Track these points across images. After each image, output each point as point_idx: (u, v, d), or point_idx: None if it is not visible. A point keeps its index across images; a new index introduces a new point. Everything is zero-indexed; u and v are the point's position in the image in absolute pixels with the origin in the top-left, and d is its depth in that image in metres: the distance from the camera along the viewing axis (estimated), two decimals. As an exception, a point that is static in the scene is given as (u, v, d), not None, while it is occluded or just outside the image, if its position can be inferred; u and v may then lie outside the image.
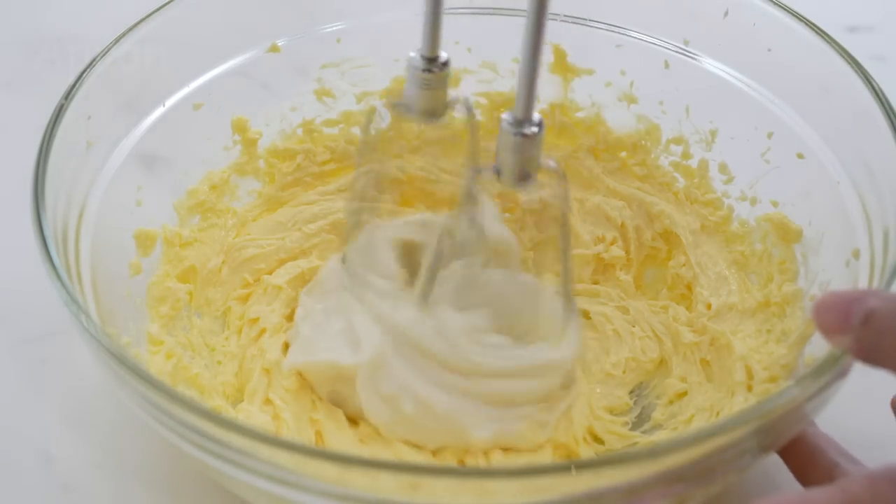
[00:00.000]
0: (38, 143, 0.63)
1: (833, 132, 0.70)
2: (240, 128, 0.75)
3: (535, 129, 0.59)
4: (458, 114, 0.68)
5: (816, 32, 0.70)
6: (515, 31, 0.72)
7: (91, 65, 0.67)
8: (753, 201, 0.74)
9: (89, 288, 0.62)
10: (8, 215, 0.70)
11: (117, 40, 0.69)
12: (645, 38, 0.77)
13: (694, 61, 0.76)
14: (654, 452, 0.53)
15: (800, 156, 0.71)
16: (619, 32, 0.77)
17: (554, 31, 0.75)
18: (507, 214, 0.75)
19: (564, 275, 0.66)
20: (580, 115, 0.79)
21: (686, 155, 0.77)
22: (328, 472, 0.52)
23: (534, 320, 0.68)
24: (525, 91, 0.58)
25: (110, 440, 0.67)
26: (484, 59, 0.79)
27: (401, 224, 0.73)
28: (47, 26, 0.93)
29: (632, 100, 0.78)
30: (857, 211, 0.67)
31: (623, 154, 0.78)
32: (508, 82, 0.79)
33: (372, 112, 0.69)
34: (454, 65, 0.75)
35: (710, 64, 0.75)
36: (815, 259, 0.69)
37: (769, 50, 0.73)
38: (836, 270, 0.67)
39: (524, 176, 0.61)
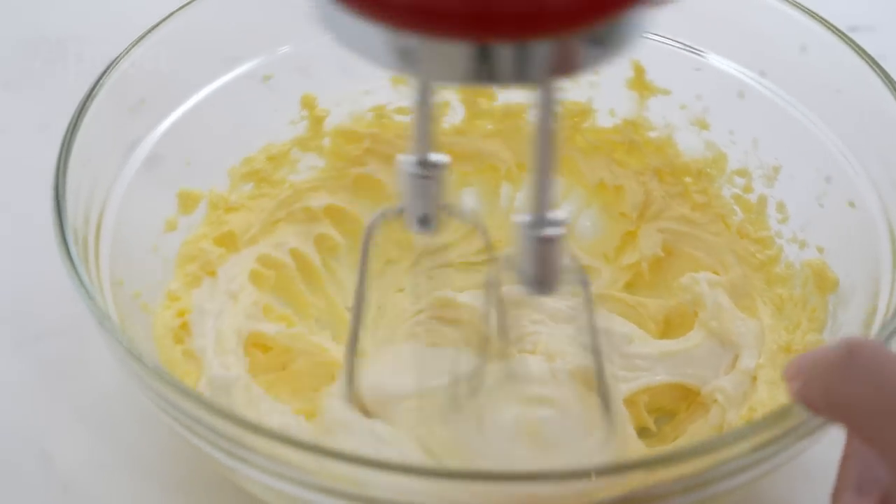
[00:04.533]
0: (41, 148, 0.62)
1: (888, 185, 0.67)
2: (308, 104, 0.77)
3: (557, 231, 0.51)
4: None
5: (889, 85, 0.67)
6: None
7: (110, 67, 0.68)
8: (802, 245, 0.72)
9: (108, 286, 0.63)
10: (8, 215, 0.70)
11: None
12: (724, 64, 0.75)
13: (768, 94, 0.74)
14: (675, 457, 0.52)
15: (851, 204, 0.69)
16: (699, 55, 0.76)
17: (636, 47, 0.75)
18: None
19: (601, 383, 0.62)
20: (652, 134, 0.78)
21: (748, 188, 0.75)
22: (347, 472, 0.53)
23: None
24: (539, 181, 0.49)
25: (110, 440, 0.67)
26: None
27: None
28: (47, 26, 0.93)
29: (703, 126, 0.76)
30: (888, 268, 0.64)
31: (688, 179, 0.76)
32: (585, 93, 0.78)
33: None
34: None
35: (782, 98, 0.73)
36: (844, 312, 0.67)
37: (838, 91, 0.70)
38: (856, 327, 0.64)
39: (546, 285, 0.52)
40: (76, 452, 0.67)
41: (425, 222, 0.56)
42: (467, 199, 0.80)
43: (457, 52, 0.44)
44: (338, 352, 0.71)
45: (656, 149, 0.77)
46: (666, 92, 0.77)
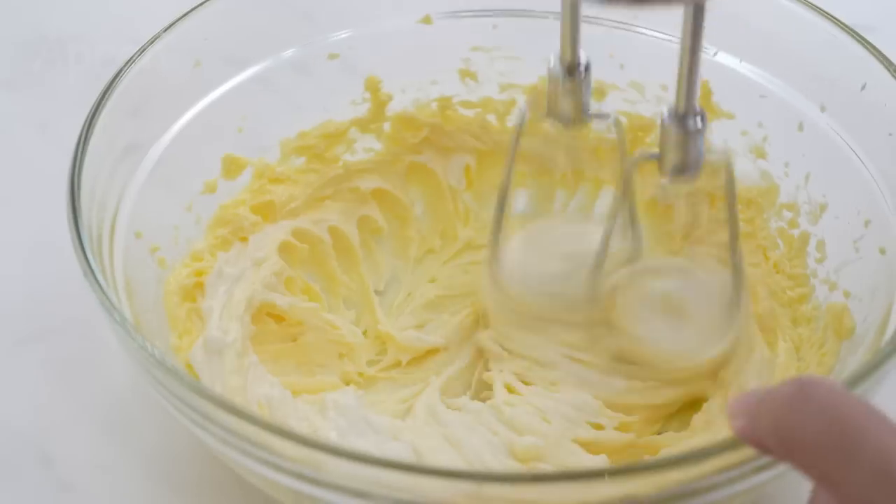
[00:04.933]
0: (41, 148, 0.65)
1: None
2: (371, 87, 0.78)
3: (699, 124, 0.59)
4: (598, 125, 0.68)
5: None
6: (669, 58, 0.73)
7: (130, 61, 0.68)
8: (833, 287, 0.70)
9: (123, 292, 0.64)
10: (8, 215, 0.70)
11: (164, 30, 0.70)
12: (788, 94, 0.74)
13: (826, 129, 0.72)
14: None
15: (882, 251, 0.66)
16: (766, 82, 0.74)
17: (704, 68, 0.74)
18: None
19: (736, 267, 0.65)
20: (711, 157, 0.76)
21: (793, 223, 0.73)
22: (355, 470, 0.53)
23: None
24: (687, 82, 0.57)
25: (110, 440, 0.67)
26: (633, 79, 0.78)
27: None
28: (47, 26, 0.93)
29: (761, 154, 0.75)
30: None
31: (738, 207, 0.75)
32: (651, 107, 0.77)
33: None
34: (604, 77, 0.76)
35: (839, 135, 0.71)
36: (853, 358, 0.65)
37: (890, 135, 0.68)
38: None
39: (687, 168, 0.61)
40: (75, 452, 0.67)
41: (565, 120, 0.64)
42: (520, 199, 0.80)
43: None
44: (351, 333, 0.72)
45: (713, 171, 0.75)
46: (730, 116, 0.75)
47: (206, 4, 0.72)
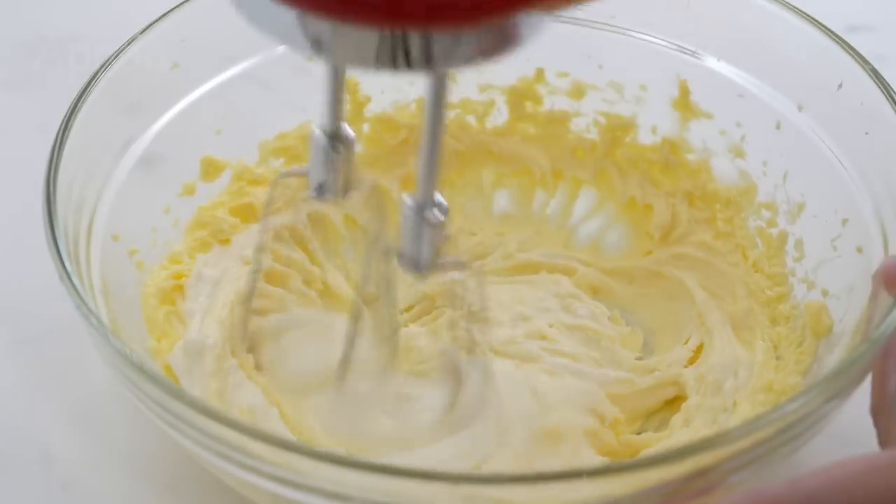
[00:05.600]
0: (41, 148, 0.62)
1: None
2: (349, 88, 0.78)
3: (440, 216, 0.53)
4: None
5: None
6: (648, 57, 0.73)
7: (105, 65, 0.68)
8: (811, 286, 0.70)
9: (100, 295, 0.63)
10: (7, 215, 0.70)
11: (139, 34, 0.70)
12: (765, 93, 0.74)
13: (804, 128, 0.72)
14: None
15: (858, 250, 0.67)
16: (743, 82, 0.74)
17: (683, 68, 0.74)
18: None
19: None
20: (690, 157, 0.77)
21: (771, 223, 0.73)
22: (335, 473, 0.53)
23: None
24: (425, 165, 0.52)
25: (111, 440, 0.67)
26: (611, 79, 0.78)
27: None
28: (47, 26, 0.93)
29: (739, 153, 0.75)
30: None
31: (717, 206, 0.75)
32: (631, 107, 0.77)
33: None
34: (582, 77, 0.76)
35: (816, 134, 0.71)
36: (830, 357, 0.65)
37: (867, 133, 0.68)
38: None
39: (426, 265, 0.54)
40: (75, 452, 0.67)
41: (321, 191, 0.58)
42: (501, 201, 0.80)
43: (367, 38, 0.45)
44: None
45: (691, 172, 0.76)
46: (708, 116, 0.76)
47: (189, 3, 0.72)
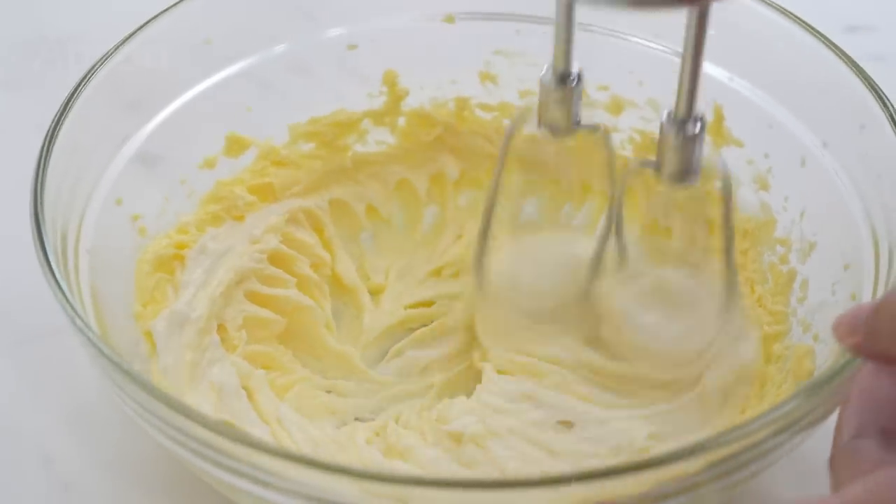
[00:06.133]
0: (40, 145, 0.63)
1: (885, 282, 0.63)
2: (389, 80, 0.78)
3: (696, 129, 0.58)
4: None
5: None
6: None
7: (97, 65, 0.68)
8: (806, 328, 0.68)
9: (88, 297, 0.64)
10: (7, 215, 0.70)
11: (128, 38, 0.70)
12: (795, 126, 0.72)
13: (827, 166, 0.70)
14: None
15: (853, 296, 0.65)
16: (775, 112, 0.73)
17: (719, 93, 0.73)
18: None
19: (730, 278, 0.65)
20: (717, 184, 0.75)
21: (784, 259, 0.71)
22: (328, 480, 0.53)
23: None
24: (689, 86, 0.57)
25: (110, 440, 0.67)
26: (651, 97, 0.77)
27: None
28: (47, 26, 0.93)
29: (764, 185, 0.73)
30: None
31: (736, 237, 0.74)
32: None
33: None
34: (622, 92, 0.75)
35: (836, 175, 0.69)
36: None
37: (879, 177, 0.66)
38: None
39: (686, 174, 0.61)
40: (75, 452, 0.67)
41: (555, 129, 0.63)
42: (529, 207, 0.79)
43: None
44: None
45: (717, 199, 0.74)
46: (739, 144, 0.74)
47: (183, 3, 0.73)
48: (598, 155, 0.72)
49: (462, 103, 0.79)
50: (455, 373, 0.71)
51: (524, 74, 0.78)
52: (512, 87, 0.79)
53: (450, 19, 0.78)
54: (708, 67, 0.70)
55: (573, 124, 0.63)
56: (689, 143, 0.59)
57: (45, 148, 0.63)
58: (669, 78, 0.73)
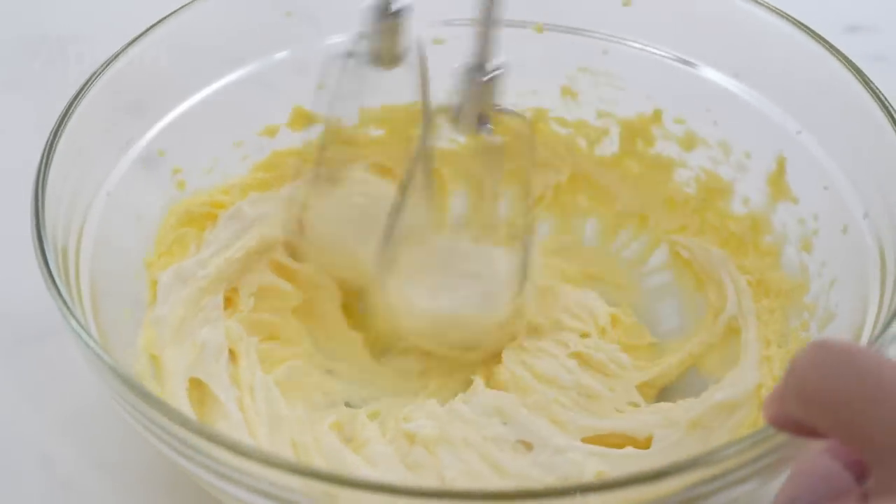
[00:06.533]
0: (42, 147, 0.63)
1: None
2: (470, 84, 0.78)
3: (493, 74, 0.60)
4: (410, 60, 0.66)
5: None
6: (762, 127, 0.71)
7: (101, 69, 0.68)
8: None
9: (88, 299, 0.63)
10: (7, 215, 0.70)
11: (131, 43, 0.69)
12: (847, 190, 0.69)
13: (862, 237, 0.66)
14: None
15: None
16: (833, 171, 0.69)
17: (786, 145, 0.70)
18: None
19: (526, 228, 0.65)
20: (767, 238, 0.72)
21: (804, 326, 0.68)
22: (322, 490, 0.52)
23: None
24: (482, 31, 0.59)
25: (110, 440, 0.67)
26: (723, 138, 0.75)
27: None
28: (47, 26, 0.93)
29: (808, 248, 0.70)
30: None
31: (770, 295, 0.71)
32: (732, 172, 0.75)
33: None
34: (697, 129, 0.74)
35: (870, 248, 0.66)
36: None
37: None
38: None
39: (483, 119, 0.62)
40: (76, 452, 0.67)
41: (378, 60, 0.65)
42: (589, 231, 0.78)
43: None
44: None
45: (763, 254, 0.72)
46: (794, 200, 0.71)
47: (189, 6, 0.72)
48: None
49: (540, 115, 0.78)
50: (451, 380, 0.71)
51: (606, 95, 0.77)
52: (591, 106, 0.77)
53: (538, 28, 0.77)
54: (778, 116, 0.68)
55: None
56: (483, 89, 0.61)
57: (48, 148, 0.63)
58: (747, 122, 0.71)
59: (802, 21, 0.69)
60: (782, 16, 0.70)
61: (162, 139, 0.71)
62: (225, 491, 0.55)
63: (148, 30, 0.70)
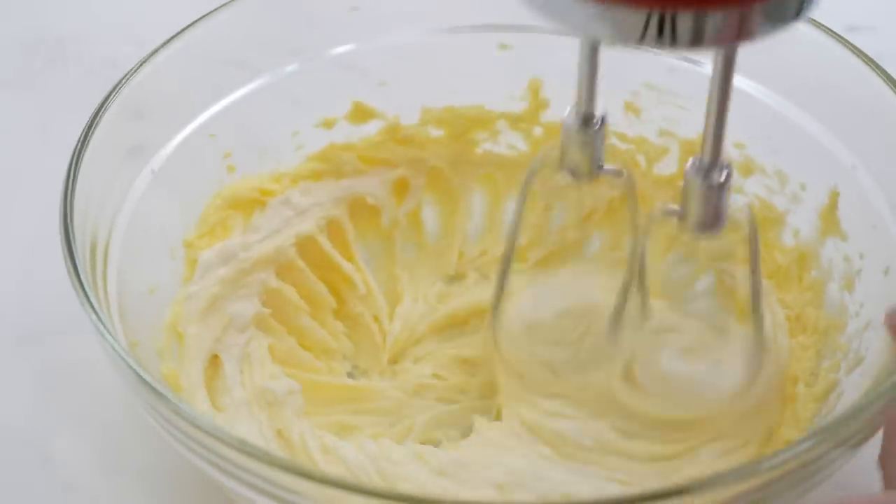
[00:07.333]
0: (42, 147, 0.64)
1: None
2: (533, 87, 0.78)
3: (722, 177, 0.57)
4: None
5: None
6: (819, 158, 0.69)
7: (161, 46, 0.68)
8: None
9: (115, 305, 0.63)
10: (7, 215, 0.70)
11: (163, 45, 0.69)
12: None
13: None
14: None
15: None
16: (883, 211, 0.68)
17: (841, 180, 0.69)
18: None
19: (757, 328, 0.64)
20: (814, 273, 0.71)
21: (834, 367, 0.66)
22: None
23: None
24: (713, 132, 0.55)
25: (110, 440, 0.67)
26: (780, 168, 0.74)
27: None
28: (47, 26, 0.93)
29: (850, 287, 0.68)
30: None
31: (807, 331, 0.69)
32: (785, 203, 0.73)
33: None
34: (756, 156, 0.73)
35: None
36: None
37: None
38: None
39: (710, 224, 0.59)
40: (75, 452, 0.67)
41: (577, 173, 0.61)
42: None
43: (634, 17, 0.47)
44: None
45: (805, 289, 0.70)
46: (843, 237, 0.69)
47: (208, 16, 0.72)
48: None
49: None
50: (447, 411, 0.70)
51: (669, 114, 0.76)
52: (654, 124, 0.76)
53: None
54: (836, 149, 0.66)
55: (595, 168, 0.61)
56: (715, 192, 0.57)
57: (75, 157, 0.63)
58: (805, 153, 0.70)
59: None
60: (853, 51, 0.68)
61: (214, 123, 0.72)
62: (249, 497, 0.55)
63: (213, 11, 0.72)
